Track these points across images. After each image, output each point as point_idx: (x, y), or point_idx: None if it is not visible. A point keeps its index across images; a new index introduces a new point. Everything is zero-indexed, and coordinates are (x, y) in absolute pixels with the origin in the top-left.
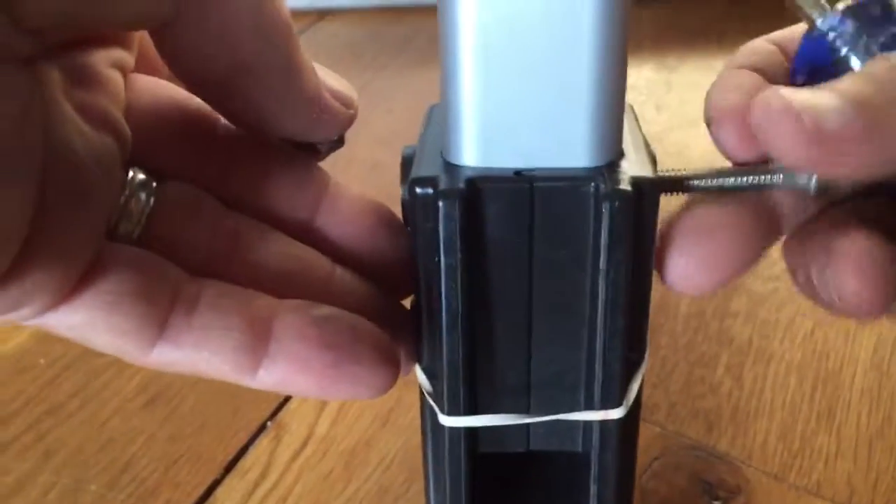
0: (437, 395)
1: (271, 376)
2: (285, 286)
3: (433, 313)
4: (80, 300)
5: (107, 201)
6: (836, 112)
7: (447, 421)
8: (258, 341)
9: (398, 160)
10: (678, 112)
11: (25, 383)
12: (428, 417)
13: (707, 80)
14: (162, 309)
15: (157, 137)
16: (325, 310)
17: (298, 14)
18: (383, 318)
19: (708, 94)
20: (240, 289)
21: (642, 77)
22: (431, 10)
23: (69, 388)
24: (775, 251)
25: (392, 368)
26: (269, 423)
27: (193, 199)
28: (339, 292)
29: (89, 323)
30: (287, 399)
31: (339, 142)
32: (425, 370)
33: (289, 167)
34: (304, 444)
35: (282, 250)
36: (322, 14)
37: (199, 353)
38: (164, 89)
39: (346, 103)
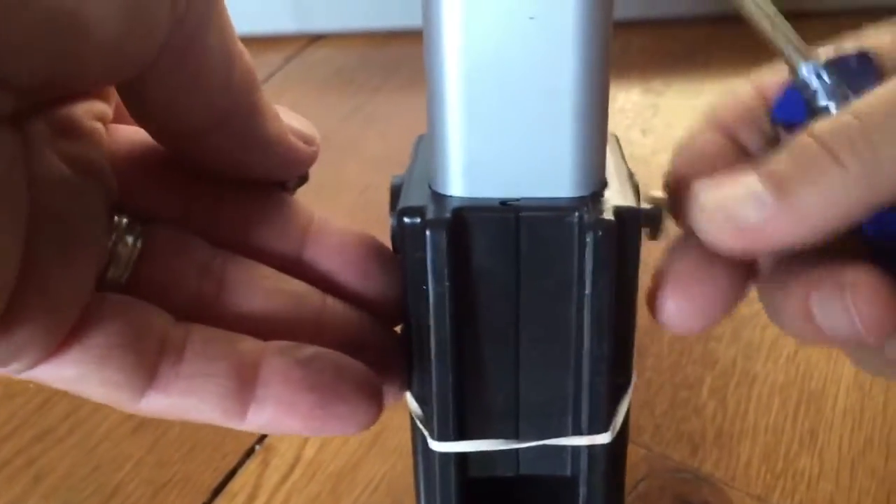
0: (427, 421)
1: (259, 419)
2: (276, 322)
3: (422, 341)
4: (70, 354)
5: (95, 251)
6: (754, 202)
7: (437, 446)
8: (245, 386)
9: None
10: (664, 135)
11: (16, 407)
12: (419, 442)
13: (693, 103)
14: (150, 359)
15: (142, 182)
16: (310, 350)
17: (289, 38)
18: (376, 346)
19: (673, 157)
20: (226, 333)
21: (629, 101)
22: (419, 35)
23: (59, 413)
24: None
25: (376, 404)
26: (256, 447)
27: (180, 241)
28: (331, 323)
29: (81, 377)
30: None
31: (305, 178)
32: (416, 396)
33: (272, 204)
34: (292, 468)
35: (271, 286)
36: (312, 39)
37: (187, 401)
38: (144, 136)
39: (309, 142)
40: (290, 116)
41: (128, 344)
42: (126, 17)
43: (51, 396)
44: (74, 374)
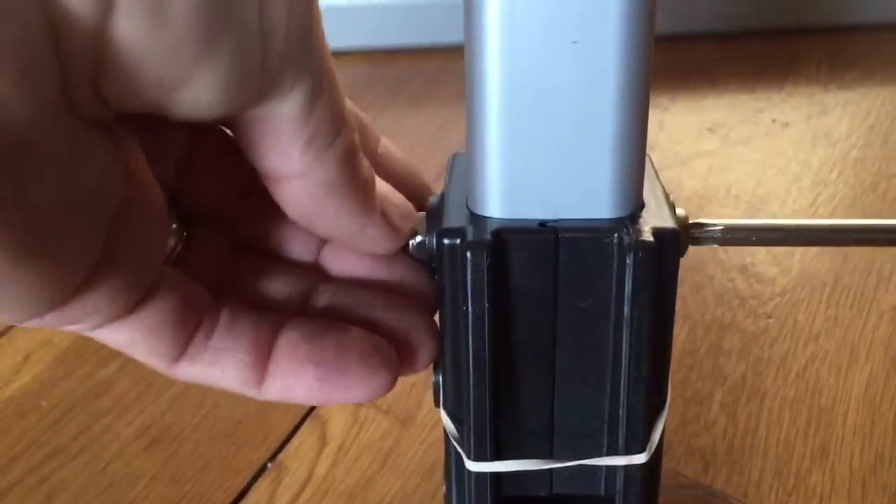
0: (462, 440)
1: (273, 390)
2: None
3: (459, 361)
4: (127, 324)
5: (163, 235)
6: None
7: (473, 466)
8: (260, 360)
9: None
10: (670, 151)
11: (28, 426)
12: (453, 461)
13: (698, 119)
14: (189, 333)
15: (199, 186)
16: (318, 325)
17: None
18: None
19: None
20: (251, 310)
21: None
22: (424, 52)
23: (71, 431)
24: (765, 287)
25: (383, 373)
26: (269, 465)
27: (219, 239)
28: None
29: (130, 342)
30: (287, 440)
31: None
32: (450, 415)
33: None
34: (304, 486)
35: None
36: None
37: (212, 371)
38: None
39: (405, 218)
40: (388, 189)
41: (175, 320)
42: (226, 90)
43: (63, 415)
44: (125, 340)
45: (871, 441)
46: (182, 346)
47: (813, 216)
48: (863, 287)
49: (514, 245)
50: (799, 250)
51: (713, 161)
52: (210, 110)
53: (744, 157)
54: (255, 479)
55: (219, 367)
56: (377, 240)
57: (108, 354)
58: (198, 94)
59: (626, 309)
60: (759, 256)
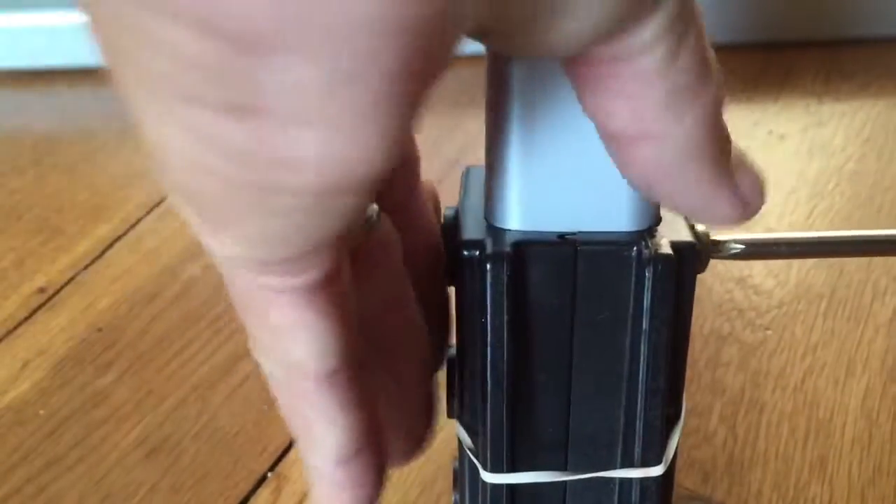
0: (478, 452)
1: None
2: None
3: (476, 371)
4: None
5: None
6: None
7: (489, 478)
8: None
9: None
10: None
11: (25, 435)
12: (467, 473)
13: None
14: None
15: None
16: None
17: None
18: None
19: None
20: None
21: None
22: (457, 58)
23: (69, 440)
24: (763, 300)
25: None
26: (269, 475)
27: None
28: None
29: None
30: (287, 450)
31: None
32: (465, 426)
33: None
34: (305, 496)
35: None
36: None
37: None
38: None
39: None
40: (739, 153)
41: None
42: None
43: (60, 424)
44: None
45: (868, 453)
46: None
47: (809, 229)
48: (859, 300)
49: (533, 257)
50: (796, 263)
51: None
52: (581, 35)
53: None
54: (255, 489)
55: None
56: (727, 212)
57: (107, 363)
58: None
59: (645, 322)
60: (757, 268)
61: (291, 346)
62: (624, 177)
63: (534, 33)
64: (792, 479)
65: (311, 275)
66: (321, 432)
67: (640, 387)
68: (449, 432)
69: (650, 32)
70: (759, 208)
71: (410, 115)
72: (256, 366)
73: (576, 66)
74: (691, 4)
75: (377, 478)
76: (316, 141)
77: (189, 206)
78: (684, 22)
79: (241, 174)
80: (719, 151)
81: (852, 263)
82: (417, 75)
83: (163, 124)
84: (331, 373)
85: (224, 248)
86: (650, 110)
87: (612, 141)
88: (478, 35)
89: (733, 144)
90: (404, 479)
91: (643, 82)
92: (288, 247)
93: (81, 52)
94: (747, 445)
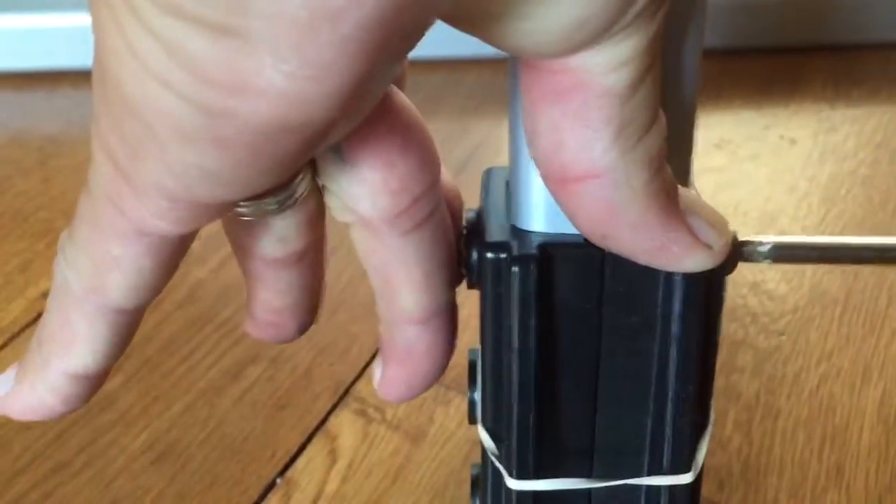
0: (501, 457)
1: None
2: None
3: (501, 376)
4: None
5: None
6: None
7: (514, 484)
8: None
9: None
10: None
11: (31, 440)
12: (490, 479)
13: (704, 136)
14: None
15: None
16: None
17: None
18: None
19: None
20: None
21: None
22: (427, 65)
23: (75, 445)
24: (776, 305)
25: None
26: (278, 481)
27: None
28: None
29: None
30: (296, 455)
31: None
32: (489, 431)
33: None
34: (314, 503)
35: None
36: None
37: None
38: None
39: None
40: (693, 197)
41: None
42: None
43: (67, 428)
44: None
45: (886, 460)
46: None
47: (822, 234)
48: (874, 305)
49: (560, 259)
50: (809, 267)
51: (721, 177)
52: (551, 43)
53: (751, 173)
54: (264, 495)
55: None
56: (687, 254)
57: (113, 368)
58: (559, 13)
59: (674, 327)
60: (770, 273)
61: (112, 276)
62: (575, 225)
63: (499, 31)
64: (809, 486)
65: (182, 227)
66: (79, 348)
67: (670, 393)
68: (461, 437)
69: (625, 51)
70: (726, 249)
71: (375, 77)
72: (264, 371)
73: (547, 73)
74: (659, 45)
75: None
76: (282, 73)
77: (118, 132)
78: (652, 55)
79: (198, 93)
80: (665, 194)
81: (867, 267)
82: (394, 32)
83: (133, 32)
84: (132, 311)
85: (137, 174)
86: (601, 142)
87: (558, 182)
88: (454, 21)
89: (687, 190)
90: (415, 485)
91: (602, 108)
92: (210, 186)
93: (86, 53)
94: (763, 452)
